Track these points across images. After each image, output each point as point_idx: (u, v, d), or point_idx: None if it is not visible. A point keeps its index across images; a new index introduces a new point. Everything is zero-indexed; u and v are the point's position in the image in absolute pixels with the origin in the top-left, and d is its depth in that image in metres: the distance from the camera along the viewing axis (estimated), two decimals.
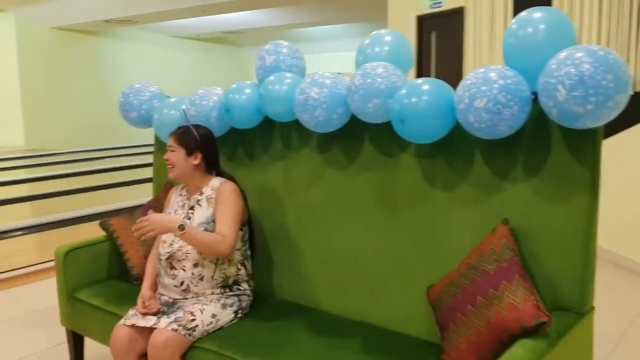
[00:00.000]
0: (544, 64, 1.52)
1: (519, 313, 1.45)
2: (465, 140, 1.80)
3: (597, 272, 1.67)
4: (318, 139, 2.21)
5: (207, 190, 2.13)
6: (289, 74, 2.20)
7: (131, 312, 2.06)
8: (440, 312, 1.75)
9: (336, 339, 1.92)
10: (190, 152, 2.12)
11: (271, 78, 2.19)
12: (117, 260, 2.59)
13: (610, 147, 2.56)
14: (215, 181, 2.15)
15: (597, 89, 1.39)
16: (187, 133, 2.14)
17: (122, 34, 15.10)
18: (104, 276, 2.58)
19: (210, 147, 2.19)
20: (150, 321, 1.96)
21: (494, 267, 1.59)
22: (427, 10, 6.84)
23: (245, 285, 2.16)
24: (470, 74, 1.64)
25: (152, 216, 1.93)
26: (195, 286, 2.05)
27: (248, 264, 2.19)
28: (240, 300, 2.11)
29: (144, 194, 2.42)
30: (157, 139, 2.75)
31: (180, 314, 1.96)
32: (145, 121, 2.67)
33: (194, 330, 1.93)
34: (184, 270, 2.04)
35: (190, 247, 2.03)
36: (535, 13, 1.62)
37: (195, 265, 2.04)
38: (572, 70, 1.41)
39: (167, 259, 2.07)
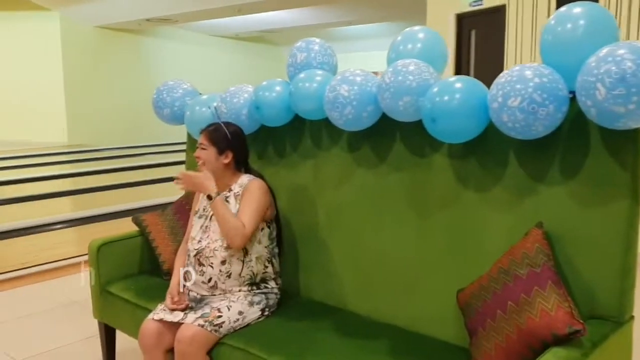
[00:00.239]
0: (582, 62, 1.45)
1: (551, 320, 1.39)
2: (499, 140, 1.74)
3: (638, 280, 1.59)
4: (348, 138, 2.18)
5: (236, 188, 2.13)
6: (319, 72, 2.17)
7: (160, 307, 2.08)
8: (469, 317, 1.70)
9: (363, 340, 1.90)
10: (221, 151, 2.12)
11: (301, 75, 2.17)
12: (149, 255, 2.63)
13: None
14: (244, 178, 2.15)
15: None
16: (218, 130, 2.14)
17: (163, 32, 15.39)
18: (136, 271, 2.62)
19: (241, 145, 2.19)
20: (177, 316, 1.98)
21: (526, 271, 1.53)
22: (467, 8, 6.72)
23: (272, 284, 2.15)
24: (505, 72, 1.59)
25: (192, 174, 2.06)
26: (223, 283, 2.06)
27: (276, 262, 2.18)
28: (267, 298, 2.10)
29: (177, 191, 2.44)
30: (189, 136, 2.77)
31: (207, 310, 1.97)
32: (178, 118, 2.68)
33: (221, 327, 1.93)
34: (211, 267, 2.05)
35: (218, 244, 2.04)
36: (575, 8, 1.55)
37: (223, 262, 2.04)
38: (613, 67, 1.35)
39: (195, 255, 2.09)
